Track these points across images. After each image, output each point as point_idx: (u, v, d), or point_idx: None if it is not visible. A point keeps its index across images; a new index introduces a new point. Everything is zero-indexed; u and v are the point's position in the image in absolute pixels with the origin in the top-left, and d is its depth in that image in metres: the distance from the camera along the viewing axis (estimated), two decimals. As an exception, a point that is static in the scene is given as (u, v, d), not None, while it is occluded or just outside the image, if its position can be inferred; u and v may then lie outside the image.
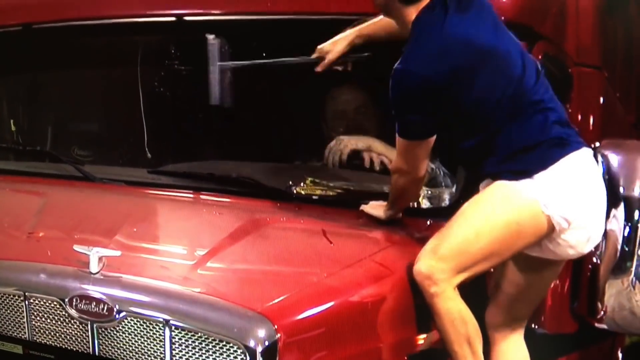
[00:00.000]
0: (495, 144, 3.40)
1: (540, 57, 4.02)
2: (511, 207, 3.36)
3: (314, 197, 3.84)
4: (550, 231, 3.39)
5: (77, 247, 3.21)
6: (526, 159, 3.39)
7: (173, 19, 4.24)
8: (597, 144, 4.24)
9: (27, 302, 3.20)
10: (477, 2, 3.48)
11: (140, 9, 4.28)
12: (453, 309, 3.33)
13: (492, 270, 3.57)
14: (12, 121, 4.58)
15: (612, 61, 4.94)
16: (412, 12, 3.45)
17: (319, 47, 3.83)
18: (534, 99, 3.43)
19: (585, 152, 3.48)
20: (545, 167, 3.38)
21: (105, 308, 3.13)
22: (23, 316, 3.22)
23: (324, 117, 4.22)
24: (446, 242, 3.36)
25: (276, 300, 3.13)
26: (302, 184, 3.85)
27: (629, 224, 4.45)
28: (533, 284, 3.65)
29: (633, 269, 4.53)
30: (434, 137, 3.48)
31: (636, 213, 4.33)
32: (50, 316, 3.19)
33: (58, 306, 3.17)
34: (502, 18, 3.82)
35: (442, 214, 3.70)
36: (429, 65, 3.34)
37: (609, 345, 4.60)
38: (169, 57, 4.35)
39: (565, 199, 3.37)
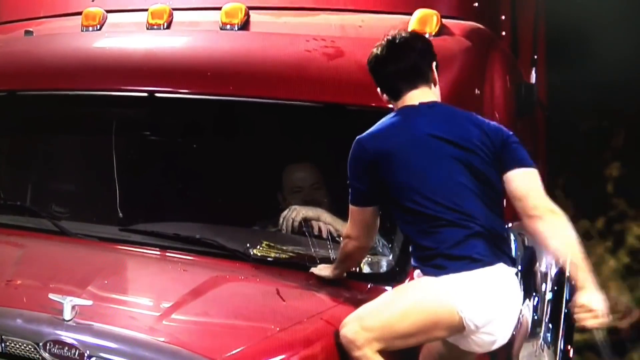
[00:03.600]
0: (422, 239, 3.46)
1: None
2: (434, 302, 3.42)
3: (269, 258, 3.84)
4: (462, 329, 3.44)
5: (52, 296, 3.17)
6: (445, 263, 3.42)
7: (145, 94, 4.23)
8: (511, 225, 4.32)
9: (3, 345, 3.12)
10: (461, 117, 3.55)
11: (115, 84, 4.26)
12: None
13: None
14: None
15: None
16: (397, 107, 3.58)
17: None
18: (465, 211, 3.43)
19: (502, 268, 3.47)
20: (460, 271, 3.41)
21: (77, 353, 3.08)
22: (-1, 358, 3.15)
23: (282, 188, 4.22)
24: (374, 315, 3.41)
25: (234, 352, 3.12)
26: (258, 247, 3.85)
27: (537, 295, 4.52)
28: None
29: (541, 334, 4.60)
30: (376, 208, 3.53)
31: (543, 286, 4.39)
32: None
33: (33, 350, 3.09)
34: None
35: (381, 279, 3.76)
36: (370, 139, 3.48)
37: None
38: (141, 128, 4.33)
39: (478, 308, 3.42)
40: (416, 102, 3.56)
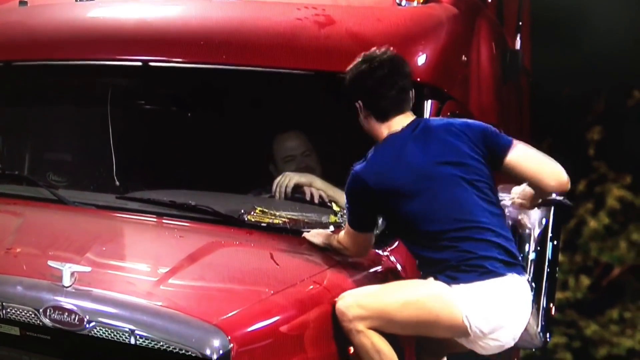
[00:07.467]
0: (432, 254, 3.42)
1: (448, 114, 4.05)
2: (439, 304, 3.36)
3: (263, 224, 3.79)
4: (467, 334, 3.39)
5: (51, 263, 3.13)
6: (457, 274, 3.37)
7: (139, 63, 4.15)
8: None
9: (4, 312, 3.08)
10: (443, 134, 3.47)
11: (110, 53, 4.17)
12: (366, 342, 3.34)
13: None
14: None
15: (506, 120, 5.03)
16: (383, 131, 3.50)
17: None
18: (475, 223, 3.39)
19: (513, 278, 3.40)
20: (471, 282, 3.36)
21: (77, 318, 3.05)
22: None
23: (274, 158, 4.16)
24: (373, 296, 3.38)
25: (230, 314, 3.10)
26: (252, 213, 3.80)
27: (521, 256, 4.48)
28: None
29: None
30: (372, 234, 3.52)
31: (526, 247, 4.37)
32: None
33: (33, 316, 3.06)
34: (418, 79, 3.87)
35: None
36: (372, 175, 3.41)
37: (507, 356, 4.59)
38: (135, 97, 4.25)
39: (485, 317, 3.36)
40: (399, 128, 3.47)
